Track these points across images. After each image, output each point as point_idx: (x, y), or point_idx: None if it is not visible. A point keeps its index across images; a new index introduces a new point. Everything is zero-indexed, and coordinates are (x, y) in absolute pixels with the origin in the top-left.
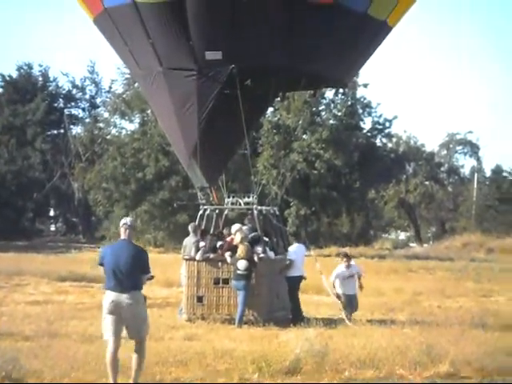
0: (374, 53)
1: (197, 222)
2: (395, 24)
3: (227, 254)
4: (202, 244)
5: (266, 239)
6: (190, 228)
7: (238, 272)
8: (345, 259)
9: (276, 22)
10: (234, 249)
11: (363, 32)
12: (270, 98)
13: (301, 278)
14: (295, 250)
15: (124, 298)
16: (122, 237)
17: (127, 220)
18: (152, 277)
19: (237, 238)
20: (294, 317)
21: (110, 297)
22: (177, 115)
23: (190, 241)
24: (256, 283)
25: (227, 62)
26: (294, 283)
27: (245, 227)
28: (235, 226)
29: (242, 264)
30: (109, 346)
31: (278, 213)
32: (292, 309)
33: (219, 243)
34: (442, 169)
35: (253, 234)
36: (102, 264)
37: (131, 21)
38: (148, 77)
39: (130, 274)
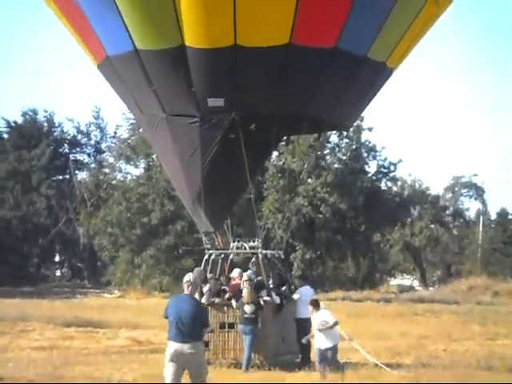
0: (377, 96)
1: (202, 267)
2: (396, 66)
3: (233, 300)
4: (205, 288)
5: (270, 283)
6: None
7: (246, 316)
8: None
9: (277, 68)
10: (237, 293)
11: (363, 75)
12: (273, 143)
13: (309, 319)
14: (301, 291)
15: (186, 347)
16: (185, 292)
17: (190, 277)
18: (212, 330)
19: (244, 279)
20: (303, 359)
21: (172, 346)
22: (180, 161)
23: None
24: (262, 327)
25: (229, 108)
26: (302, 325)
27: (249, 272)
28: (236, 271)
29: (248, 308)
30: None
31: (283, 257)
32: (300, 351)
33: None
34: (448, 212)
35: (258, 279)
36: (167, 317)
37: (133, 68)
38: (151, 123)
39: (191, 326)
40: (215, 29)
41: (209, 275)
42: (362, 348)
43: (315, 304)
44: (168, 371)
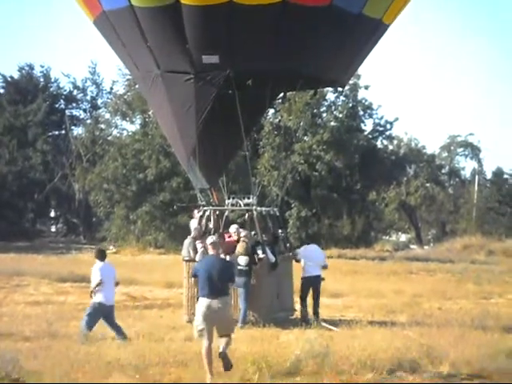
0: (374, 53)
1: (197, 223)
2: (391, 21)
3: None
4: (199, 245)
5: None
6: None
7: (239, 268)
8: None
9: (272, 26)
10: (232, 250)
11: (358, 32)
12: (268, 99)
13: (308, 278)
14: (303, 250)
15: (216, 302)
16: (211, 252)
17: (214, 239)
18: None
19: (242, 234)
20: (301, 318)
21: (204, 302)
22: (176, 117)
23: (187, 241)
24: (256, 284)
25: (224, 65)
26: (302, 284)
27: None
28: (233, 227)
29: (242, 259)
30: (204, 343)
31: (278, 214)
32: (300, 309)
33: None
34: (443, 171)
35: (253, 236)
36: (195, 276)
37: (129, 24)
38: (147, 79)
39: (221, 283)
40: None
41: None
42: (357, 306)
43: None
44: (200, 326)
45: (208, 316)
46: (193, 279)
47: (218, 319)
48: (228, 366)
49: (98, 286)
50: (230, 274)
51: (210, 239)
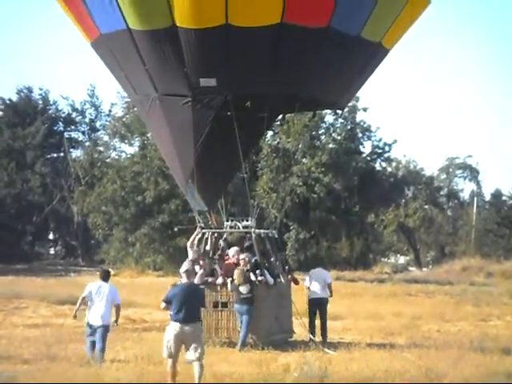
0: (373, 76)
1: (196, 246)
2: (392, 45)
3: (229, 280)
4: (197, 268)
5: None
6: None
7: (242, 296)
8: None
9: (269, 47)
10: (232, 272)
11: (357, 55)
12: (266, 121)
13: (315, 300)
14: (311, 274)
15: (188, 328)
16: (185, 280)
17: (186, 266)
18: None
19: (241, 257)
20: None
21: (175, 326)
22: (174, 140)
23: (185, 264)
24: (255, 307)
25: (222, 88)
26: (309, 306)
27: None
28: (232, 250)
29: (244, 288)
30: (170, 362)
31: (276, 236)
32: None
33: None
34: (442, 193)
35: (252, 258)
36: (169, 301)
37: (126, 47)
38: (145, 102)
39: (194, 309)
40: (206, 9)
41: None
42: (356, 328)
43: None
44: (168, 347)
45: (178, 338)
46: (164, 304)
47: (189, 343)
48: None
49: (80, 304)
50: (202, 301)
51: (184, 267)
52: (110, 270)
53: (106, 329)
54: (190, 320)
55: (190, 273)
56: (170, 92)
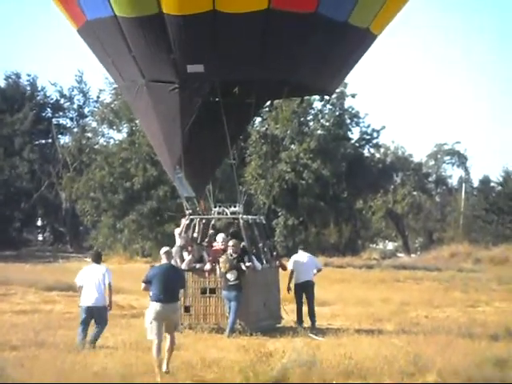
0: (361, 62)
1: (184, 232)
2: (380, 31)
3: (218, 267)
4: (185, 254)
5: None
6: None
7: (230, 283)
8: None
9: (256, 33)
10: (219, 258)
11: (345, 40)
12: (254, 107)
13: (301, 284)
14: (295, 258)
15: (168, 307)
16: (165, 261)
17: (168, 249)
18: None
19: (229, 244)
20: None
21: (156, 306)
22: (161, 126)
23: (173, 250)
24: (243, 293)
25: (209, 74)
26: (295, 290)
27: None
28: (220, 236)
29: (231, 275)
30: (155, 345)
31: (264, 222)
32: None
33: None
34: (430, 179)
35: (241, 244)
36: (148, 281)
37: (112, 34)
38: (132, 88)
39: (173, 290)
40: None
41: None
42: (344, 314)
43: None
44: (153, 328)
45: (160, 318)
46: (143, 285)
47: (168, 321)
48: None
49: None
50: (182, 282)
51: (164, 249)
52: (100, 250)
53: (104, 309)
54: (171, 300)
55: (170, 254)
56: (156, 78)
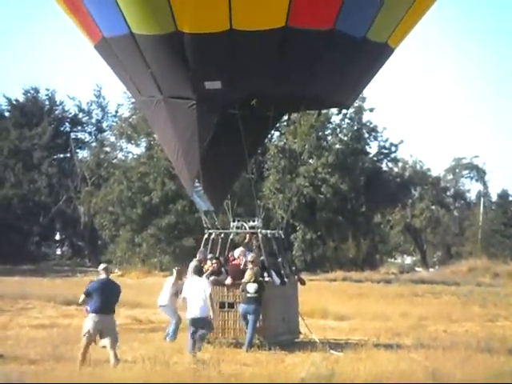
0: (379, 76)
1: (202, 246)
2: (397, 44)
3: (228, 280)
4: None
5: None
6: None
7: (248, 295)
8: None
9: (274, 51)
10: (237, 273)
11: (363, 56)
12: (272, 121)
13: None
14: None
15: (107, 318)
16: (103, 276)
17: (106, 265)
18: None
19: (248, 259)
20: None
21: (95, 317)
22: (179, 142)
23: (192, 264)
24: (262, 307)
25: (226, 90)
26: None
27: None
28: (238, 250)
29: (251, 287)
30: (84, 342)
31: (283, 236)
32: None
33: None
34: (448, 193)
35: (260, 259)
36: (89, 294)
37: (130, 51)
38: (150, 104)
39: (113, 303)
40: (210, 14)
41: (209, 255)
42: (363, 328)
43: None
44: (87, 336)
45: (97, 329)
46: (83, 296)
47: (105, 332)
48: None
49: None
50: (118, 295)
51: (103, 265)
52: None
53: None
54: (108, 311)
55: (108, 269)
56: (174, 95)
